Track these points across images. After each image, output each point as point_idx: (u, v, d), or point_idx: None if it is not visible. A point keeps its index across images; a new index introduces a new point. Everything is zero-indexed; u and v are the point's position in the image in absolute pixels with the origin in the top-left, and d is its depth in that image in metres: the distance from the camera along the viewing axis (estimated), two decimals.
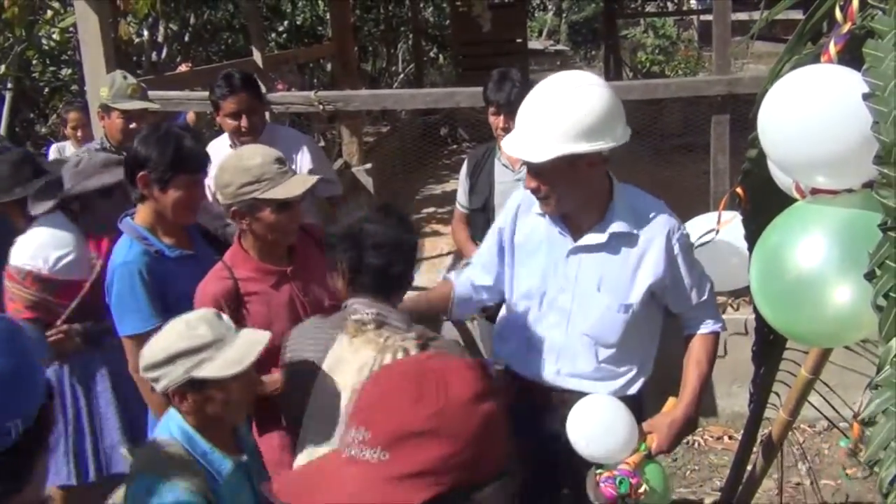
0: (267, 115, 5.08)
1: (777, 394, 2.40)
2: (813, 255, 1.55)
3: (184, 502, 1.70)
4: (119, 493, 1.86)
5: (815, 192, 1.61)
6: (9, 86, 7.67)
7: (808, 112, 1.45)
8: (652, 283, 2.17)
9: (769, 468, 2.50)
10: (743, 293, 3.58)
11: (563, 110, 2.02)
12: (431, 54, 14.01)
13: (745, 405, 2.69)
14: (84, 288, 2.80)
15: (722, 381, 3.94)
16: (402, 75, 13.27)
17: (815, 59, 1.61)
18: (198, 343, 1.79)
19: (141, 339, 2.33)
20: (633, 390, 2.30)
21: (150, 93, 4.14)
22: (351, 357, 1.92)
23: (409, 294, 2.21)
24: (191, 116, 5.08)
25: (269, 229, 2.30)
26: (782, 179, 1.76)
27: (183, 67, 6.47)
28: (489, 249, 2.43)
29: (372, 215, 2.05)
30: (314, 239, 2.49)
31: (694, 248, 2.31)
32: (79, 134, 4.67)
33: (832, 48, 1.54)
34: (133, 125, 3.52)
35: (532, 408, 2.31)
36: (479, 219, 3.27)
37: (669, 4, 18.29)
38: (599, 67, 15.15)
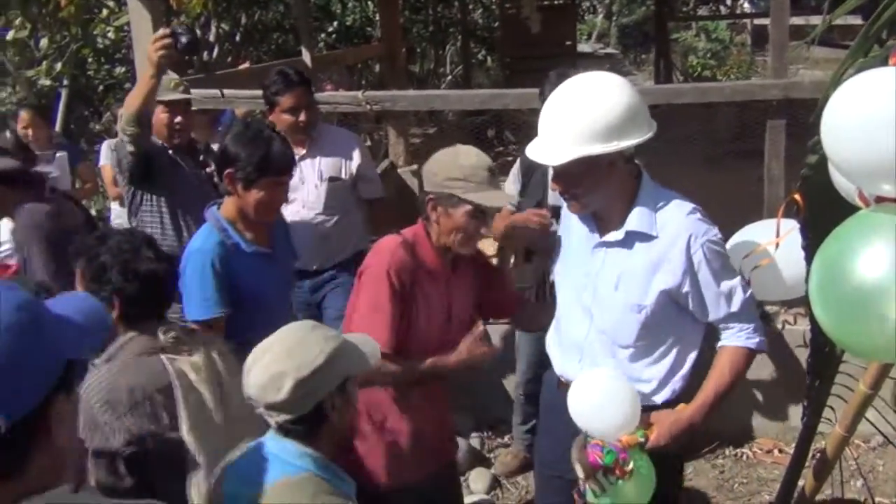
0: None
1: (832, 408, 2.33)
2: (875, 266, 1.48)
3: None
4: None
5: (879, 200, 1.54)
6: (65, 83, 7.85)
7: (875, 116, 1.38)
8: (668, 289, 2.13)
9: (822, 485, 2.42)
10: (797, 304, 3.49)
11: (579, 112, 2.04)
12: (480, 56, 13.98)
13: (796, 418, 2.62)
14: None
15: (773, 395, 3.85)
16: (449, 77, 13.27)
17: (883, 62, 1.55)
18: (339, 341, 1.74)
19: (206, 326, 2.52)
20: (658, 399, 2.23)
21: (199, 91, 4.20)
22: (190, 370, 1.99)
23: None
24: (240, 112, 5.13)
25: (455, 229, 2.31)
26: (844, 186, 1.70)
27: (243, 65, 6.55)
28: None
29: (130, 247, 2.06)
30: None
31: (750, 269, 2.24)
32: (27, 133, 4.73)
33: None
34: (178, 119, 3.49)
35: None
36: None
37: (722, 8, 17.98)
38: (649, 71, 15.00)
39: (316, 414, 1.69)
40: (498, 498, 3.69)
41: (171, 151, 3.48)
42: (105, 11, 7.52)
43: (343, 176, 3.59)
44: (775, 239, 2.21)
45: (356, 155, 3.61)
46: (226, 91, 4.05)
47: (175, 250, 3.32)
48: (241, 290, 2.58)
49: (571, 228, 2.34)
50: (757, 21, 15.86)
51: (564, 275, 2.38)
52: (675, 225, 2.13)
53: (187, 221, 3.40)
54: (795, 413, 3.22)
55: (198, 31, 8.52)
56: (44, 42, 7.21)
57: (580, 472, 2.07)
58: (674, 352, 2.23)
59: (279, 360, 1.67)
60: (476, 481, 3.73)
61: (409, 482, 2.40)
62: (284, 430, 1.71)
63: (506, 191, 3.36)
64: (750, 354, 2.20)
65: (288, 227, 2.98)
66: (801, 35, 5.42)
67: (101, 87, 9.02)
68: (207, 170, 3.49)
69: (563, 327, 2.38)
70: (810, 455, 2.55)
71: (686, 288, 2.13)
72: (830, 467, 2.35)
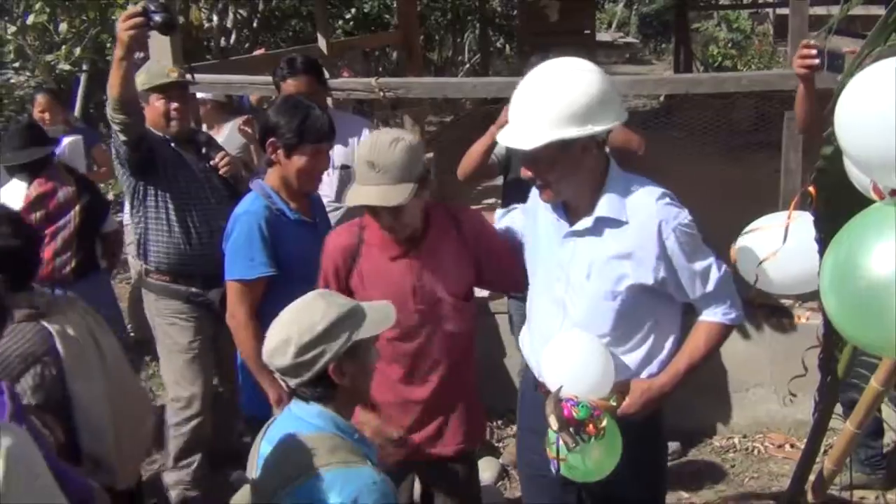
0: (329, 101, 5.11)
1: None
2: (888, 260, 1.45)
3: (380, 482, 1.68)
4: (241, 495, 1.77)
5: (894, 193, 1.51)
6: (84, 68, 7.89)
7: (890, 107, 1.35)
8: (641, 275, 2.13)
9: (832, 480, 2.39)
10: (812, 298, 3.45)
11: (552, 96, 2.03)
12: (498, 44, 13.92)
13: (808, 413, 2.59)
14: None
15: (786, 389, 3.81)
16: (467, 65, 13.23)
17: None
18: (347, 308, 1.78)
19: (246, 285, 2.65)
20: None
21: (215, 77, 4.20)
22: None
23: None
24: (254, 98, 5.12)
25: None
26: (859, 179, 1.67)
27: (258, 52, 6.55)
28: (515, 222, 2.48)
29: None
30: (455, 224, 2.48)
31: (757, 264, 2.22)
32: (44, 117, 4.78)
33: None
34: (175, 106, 3.31)
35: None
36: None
37: None
38: (669, 61, 14.86)
39: (326, 378, 1.74)
40: (506, 488, 3.69)
41: (172, 144, 3.35)
42: None
43: (354, 165, 3.56)
44: (784, 230, 2.17)
45: None
46: (238, 77, 4.03)
47: (183, 252, 3.31)
48: (286, 255, 2.67)
49: (538, 220, 2.31)
50: (779, 11, 15.65)
51: (534, 269, 2.36)
52: (645, 210, 2.12)
53: (194, 220, 3.32)
54: (808, 407, 3.18)
55: (215, 18, 8.54)
56: (63, 26, 7.24)
57: (553, 425, 2.07)
58: (651, 337, 2.22)
59: (285, 327, 1.75)
60: (484, 470, 3.72)
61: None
62: (300, 395, 1.79)
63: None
64: (725, 329, 2.24)
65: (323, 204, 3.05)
66: (822, 25, 5.34)
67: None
68: (211, 163, 3.41)
69: (535, 326, 2.35)
70: (822, 451, 2.53)
71: (662, 273, 2.13)
72: (841, 463, 2.32)
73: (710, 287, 2.17)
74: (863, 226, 1.54)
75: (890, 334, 1.51)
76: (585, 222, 2.15)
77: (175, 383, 3.43)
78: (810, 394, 2.44)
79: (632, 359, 2.21)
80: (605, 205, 2.13)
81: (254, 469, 1.84)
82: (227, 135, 4.76)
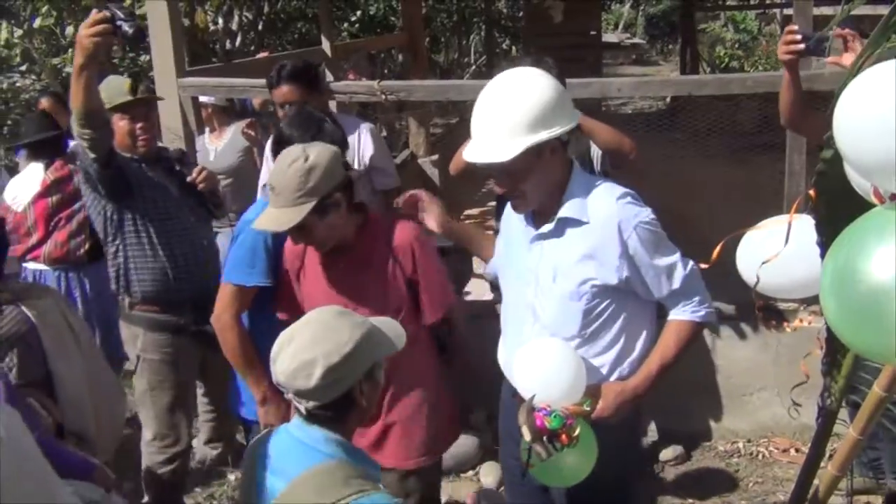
0: (334, 104, 5.10)
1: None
2: (888, 266, 1.43)
3: None
4: None
5: (894, 197, 1.49)
6: None
7: (889, 109, 1.33)
8: (604, 275, 2.13)
9: (835, 486, 2.37)
10: (814, 301, 3.41)
11: (517, 104, 2.04)
12: (504, 46, 13.91)
13: (812, 417, 2.56)
14: None
15: (789, 392, 3.79)
16: (473, 67, 13.21)
17: None
18: (368, 326, 1.74)
19: (241, 290, 2.64)
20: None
21: (218, 80, 4.19)
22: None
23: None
24: (258, 102, 5.12)
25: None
26: (859, 182, 1.64)
27: (261, 55, 6.54)
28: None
29: None
30: (387, 239, 2.50)
31: (759, 266, 2.19)
32: None
33: None
34: (141, 125, 3.10)
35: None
36: None
37: None
38: (676, 62, 14.83)
39: (345, 400, 1.69)
40: None
41: (141, 164, 3.14)
42: (129, 0, 7.55)
43: (355, 166, 3.55)
44: (786, 234, 2.14)
45: (368, 145, 3.59)
46: (241, 80, 4.02)
47: (170, 278, 3.12)
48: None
49: (511, 227, 2.33)
50: (787, 11, 15.58)
51: (507, 276, 2.37)
52: (605, 210, 2.13)
53: (177, 242, 3.15)
54: (813, 412, 3.16)
55: (220, 20, 8.53)
56: (70, 30, 7.25)
57: (526, 435, 2.05)
58: (622, 338, 2.22)
59: (307, 348, 1.66)
60: (487, 475, 3.72)
61: None
62: (312, 417, 1.71)
63: None
64: (696, 327, 2.23)
65: None
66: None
67: (126, 75, 9.07)
68: (188, 179, 3.22)
69: (508, 333, 2.36)
70: (826, 455, 2.50)
71: (625, 272, 2.13)
72: (844, 469, 2.29)
73: (676, 284, 2.17)
74: (863, 230, 1.52)
75: (890, 340, 1.49)
76: (549, 225, 2.18)
77: (157, 419, 3.19)
78: (815, 398, 2.42)
79: (603, 360, 2.22)
80: (567, 206, 2.15)
81: (252, 494, 1.78)
82: (230, 138, 4.77)
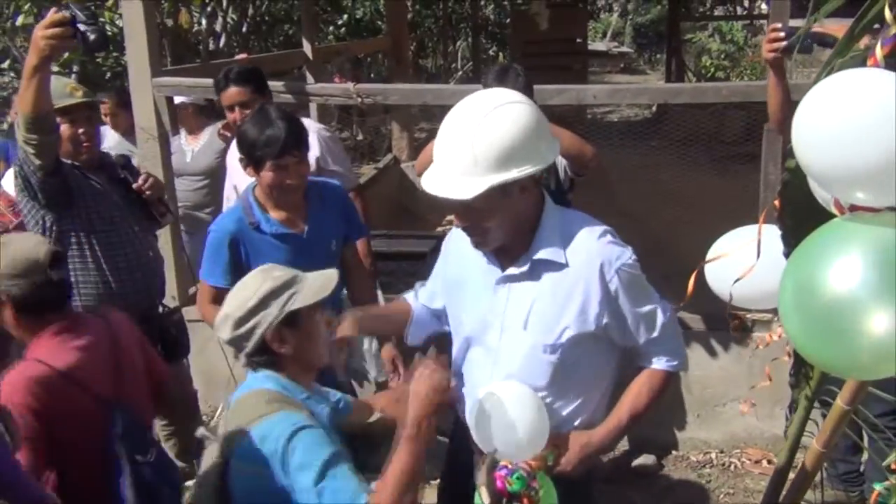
0: (314, 107, 5.04)
1: (815, 422, 2.25)
2: (848, 278, 1.41)
3: (308, 426, 1.76)
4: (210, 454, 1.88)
5: (853, 208, 1.47)
6: (74, 69, 7.84)
7: (846, 120, 1.31)
8: (583, 323, 1.94)
9: (801, 499, 2.35)
10: None
11: (485, 136, 1.79)
12: (491, 52, 13.90)
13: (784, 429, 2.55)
14: None
15: (763, 404, 3.78)
16: (460, 73, 13.20)
17: (861, 63, 1.48)
18: (282, 280, 1.87)
19: (210, 287, 2.76)
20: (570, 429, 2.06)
21: (197, 80, 4.14)
22: None
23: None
24: None
25: None
26: (821, 193, 1.62)
27: (240, 56, 6.49)
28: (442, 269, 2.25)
29: None
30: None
31: (732, 282, 2.14)
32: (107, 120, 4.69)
33: (879, 51, 1.40)
34: (82, 130, 2.95)
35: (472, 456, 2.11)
36: None
37: (739, 9, 17.82)
38: (663, 71, 14.87)
39: (264, 348, 1.86)
40: None
41: (80, 171, 2.98)
42: None
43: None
44: (757, 248, 2.12)
45: (313, 146, 3.52)
46: (212, 80, 3.97)
47: (114, 290, 2.98)
48: (254, 267, 2.56)
49: (465, 263, 2.09)
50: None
51: (459, 316, 2.13)
52: (585, 251, 1.93)
53: (121, 252, 3.03)
54: (784, 424, 3.16)
55: (204, 21, 8.48)
56: None
57: (485, 497, 1.90)
58: (589, 386, 2.06)
59: (226, 304, 1.89)
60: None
61: None
62: (252, 364, 1.91)
63: None
64: (668, 377, 2.08)
65: (348, 205, 3.03)
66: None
67: (108, 75, 9.01)
68: (134, 186, 3.12)
69: (464, 377, 2.14)
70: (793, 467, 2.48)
71: (605, 319, 1.96)
72: (809, 482, 2.28)
73: (655, 332, 2.01)
74: (821, 241, 1.50)
75: (850, 355, 1.47)
76: (521, 266, 1.96)
77: None
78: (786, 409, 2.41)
79: (566, 409, 2.03)
80: (542, 246, 1.94)
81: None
82: (207, 139, 4.72)
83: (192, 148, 4.75)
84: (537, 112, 1.88)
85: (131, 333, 2.47)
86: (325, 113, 6.84)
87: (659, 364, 2.07)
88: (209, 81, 4.00)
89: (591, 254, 1.94)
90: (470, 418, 1.98)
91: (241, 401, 1.88)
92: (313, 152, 3.49)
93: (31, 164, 2.72)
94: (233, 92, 3.40)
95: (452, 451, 2.39)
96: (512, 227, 1.93)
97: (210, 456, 1.88)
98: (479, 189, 1.79)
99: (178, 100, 4.50)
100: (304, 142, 2.70)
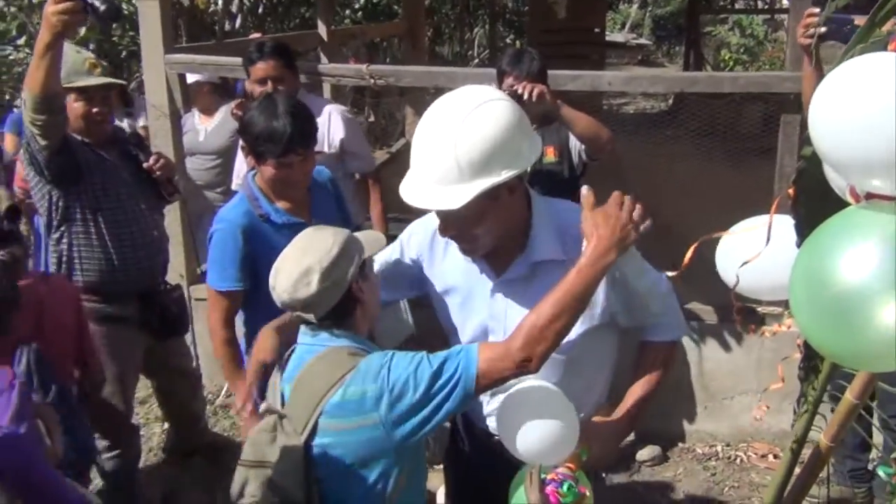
0: (327, 87, 5.01)
1: (823, 416, 2.23)
2: (860, 267, 1.37)
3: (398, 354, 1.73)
4: None
5: (869, 196, 1.43)
6: (91, 47, 7.86)
7: (864, 105, 1.28)
8: (592, 315, 1.89)
9: (806, 493, 2.32)
10: None
11: (467, 139, 1.67)
12: (508, 40, 13.83)
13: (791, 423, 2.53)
14: None
15: (771, 398, 3.75)
16: (476, 60, 13.15)
17: (882, 47, 1.44)
18: (346, 231, 1.84)
19: (218, 293, 2.56)
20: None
21: (208, 57, 4.12)
22: None
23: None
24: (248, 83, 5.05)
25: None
26: (836, 181, 1.59)
27: (254, 36, 6.48)
28: (396, 266, 2.10)
29: None
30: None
31: (738, 267, 2.10)
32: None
33: None
34: (97, 109, 2.94)
35: (480, 454, 2.12)
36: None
37: (759, 2, 17.65)
38: (681, 64, 14.76)
39: (348, 299, 1.78)
40: None
41: (92, 147, 2.98)
42: None
43: (325, 148, 3.46)
44: (766, 235, 2.09)
45: (338, 127, 3.51)
46: (228, 59, 3.96)
47: (117, 267, 3.00)
48: (265, 260, 2.44)
49: (456, 269, 1.99)
50: None
51: (457, 326, 2.03)
52: (582, 242, 1.80)
53: (126, 230, 3.03)
54: (791, 418, 3.13)
55: (220, 1, 8.47)
56: None
57: None
58: (596, 375, 2.04)
59: (299, 261, 1.76)
60: None
61: None
62: (321, 324, 1.79)
63: None
64: (675, 347, 2.11)
65: (339, 191, 2.91)
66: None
67: (124, 53, 9.02)
68: (144, 165, 3.11)
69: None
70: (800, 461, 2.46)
71: (613, 305, 1.92)
72: (815, 475, 2.25)
73: (656, 307, 1.98)
74: (835, 230, 1.47)
75: (861, 346, 1.44)
76: (519, 269, 1.89)
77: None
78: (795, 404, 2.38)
79: (575, 400, 1.89)
80: (540, 245, 1.87)
81: (277, 404, 1.84)
82: (221, 119, 4.71)
83: (205, 127, 4.75)
84: (517, 108, 1.78)
85: (69, 300, 2.62)
86: (338, 95, 6.82)
87: (665, 336, 2.05)
88: (222, 59, 3.99)
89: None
90: (501, 429, 1.87)
91: (314, 363, 1.76)
92: (338, 134, 3.51)
93: (37, 143, 2.71)
94: (266, 66, 3.32)
95: (452, 432, 2.36)
96: (502, 230, 1.84)
97: (282, 435, 1.74)
98: (466, 197, 1.69)
99: (194, 78, 4.49)
100: (311, 136, 2.56)
